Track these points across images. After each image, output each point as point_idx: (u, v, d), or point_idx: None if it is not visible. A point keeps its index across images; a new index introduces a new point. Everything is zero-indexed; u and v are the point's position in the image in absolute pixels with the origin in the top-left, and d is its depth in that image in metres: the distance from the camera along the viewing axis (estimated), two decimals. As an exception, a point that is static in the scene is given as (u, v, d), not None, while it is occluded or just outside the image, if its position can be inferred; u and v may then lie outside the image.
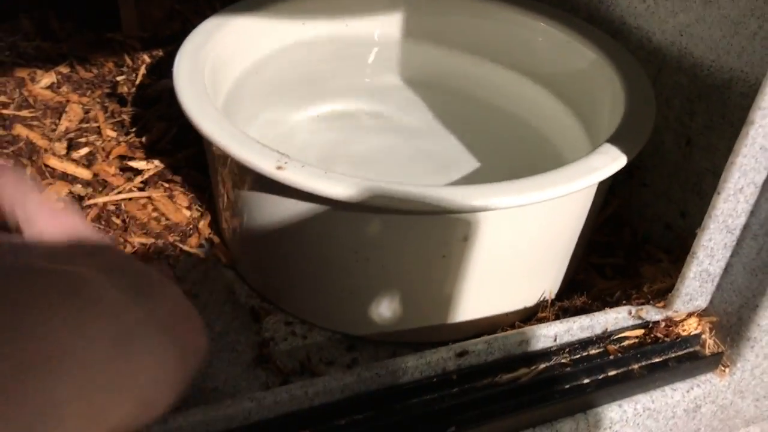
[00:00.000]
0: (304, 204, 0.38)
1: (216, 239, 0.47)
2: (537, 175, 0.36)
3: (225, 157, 0.39)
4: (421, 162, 0.52)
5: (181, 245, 0.46)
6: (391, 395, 0.34)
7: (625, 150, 0.39)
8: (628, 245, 0.51)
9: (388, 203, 0.35)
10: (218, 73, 0.47)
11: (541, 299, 0.44)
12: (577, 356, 0.38)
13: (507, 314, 0.43)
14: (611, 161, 0.38)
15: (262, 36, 0.52)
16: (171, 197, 0.48)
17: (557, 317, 0.43)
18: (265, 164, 0.36)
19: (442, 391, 0.34)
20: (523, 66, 0.55)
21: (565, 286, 0.46)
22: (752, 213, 0.36)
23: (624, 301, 0.42)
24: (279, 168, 0.36)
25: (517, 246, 0.39)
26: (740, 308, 0.38)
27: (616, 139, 0.40)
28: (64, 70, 0.60)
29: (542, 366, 0.37)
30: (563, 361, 0.37)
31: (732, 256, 0.38)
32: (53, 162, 0.49)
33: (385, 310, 0.41)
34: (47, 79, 0.58)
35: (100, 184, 0.48)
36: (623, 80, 0.46)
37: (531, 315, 0.44)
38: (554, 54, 0.53)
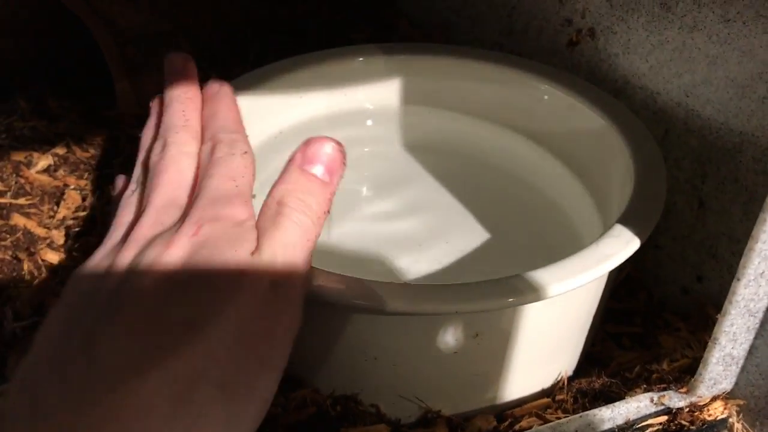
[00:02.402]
0: (311, 306, 0.36)
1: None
2: (546, 268, 0.35)
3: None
4: (426, 231, 0.51)
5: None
6: None
7: (637, 231, 0.37)
8: (644, 311, 0.49)
9: (395, 307, 0.34)
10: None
11: (558, 379, 0.43)
12: (600, 450, 0.36)
13: (521, 399, 0.42)
14: (624, 246, 0.37)
15: (261, 113, 0.51)
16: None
17: (575, 400, 0.41)
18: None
19: (461, 501, 0.33)
20: (527, 129, 0.54)
21: (582, 360, 0.45)
22: (775, 296, 0.35)
23: (643, 381, 0.41)
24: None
25: (531, 336, 0.38)
26: (768, 392, 0.36)
27: (627, 220, 0.38)
28: (61, 151, 0.59)
29: (564, 464, 0.35)
30: (585, 456, 0.36)
31: (756, 338, 0.36)
32: (50, 256, 0.48)
33: (397, 403, 0.40)
34: (44, 161, 0.58)
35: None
36: (632, 149, 0.45)
37: (548, 395, 0.43)
38: (558, 117, 0.51)
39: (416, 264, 0.48)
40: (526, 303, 0.34)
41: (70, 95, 0.64)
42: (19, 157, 0.57)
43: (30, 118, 0.62)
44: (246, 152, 0.34)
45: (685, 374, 0.40)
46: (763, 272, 0.33)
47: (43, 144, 0.59)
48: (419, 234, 0.50)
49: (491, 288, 0.34)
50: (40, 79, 0.65)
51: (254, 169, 0.35)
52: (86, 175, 0.57)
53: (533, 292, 0.34)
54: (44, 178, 0.56)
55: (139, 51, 0.62)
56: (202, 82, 0.65)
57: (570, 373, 0.44)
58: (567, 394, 0.42)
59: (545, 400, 0.42)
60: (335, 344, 0.38)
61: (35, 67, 0.65)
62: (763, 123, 0.41)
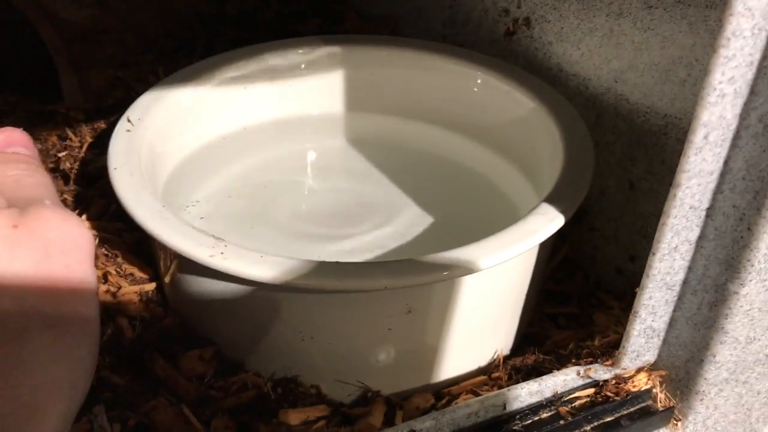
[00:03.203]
0: (246, 287, 0.37)
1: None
2: (472, 245, 0.36)
3: (162, 245, 0.39)
4: (370, 218, 0.52)
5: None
6: (338, 483, 0.33)
7: (562, 209, 0.39)
8: (580, 291, 0.51)
9: (327, 284, 0.35)
10: (158, 151, 0.47)
11: (494, 357, 0.44)
12: (529, 422, 0.37)
13: (458, 377, 0.43)
14: (548, 222, 0.38)
15: (203, 106, 0.52)
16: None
17: (510, 377, 0.42)
18: (199, 252, 0.36)
19: (392, 473, 0.34)
20: (462, 116, 0.55)
21: (518, 340, 0.46)
22: (690, 269, 0.36)
23: (574, 358, 0.42)
24: (212, 256, 0.36)
25: (463, 312, 0.39)
26: (687, 362, 0.38)
27: (553, 198, 0.40)
28: (7, 146, 0.59)
29: (493, 436, 0.36)
30: (515, 428, 0.37)
31: (675, 311, 0.38)
32: (-7, 250, 0.48)
33: (336, 383, 0.41)
34: (-10, 157, 0.57)
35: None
36: (561, 130, 0.46)
37: (484, 373, 0.44)
38: (492, 103, 0.53)
39: (357, 247, 0.49)
40: (454, 277, 0.35)
41: (16, 91, 0.64)
42: (-36, 153, 0.57)
43: (-25, 114, 0.62)
44: None
45: (614, 349, 0.41)
46: (676, 246, 0.35)
47: (-11, 140, 0.59)
48: (360, 219, 0.51)
49: (418, 264, 0.35)
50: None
51: None
52: (32, 169, 0.57)
53: (461, 267, 0.35)
54: (-11, 173, 0.56)
55: (86, 46, 0.62)
56: (148, 75, 0.65)
57: (507, 352, 0.45)
58: (502, 371, 0.43)
59: (481, 377, 0.43)
60: (271, 325, 0.39)
61: (-20, 64, 0.65)
62: (685, 105, 0.43)
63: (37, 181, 0.29)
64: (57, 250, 0.26)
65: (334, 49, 0.56)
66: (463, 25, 0.61)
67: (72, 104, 0.62)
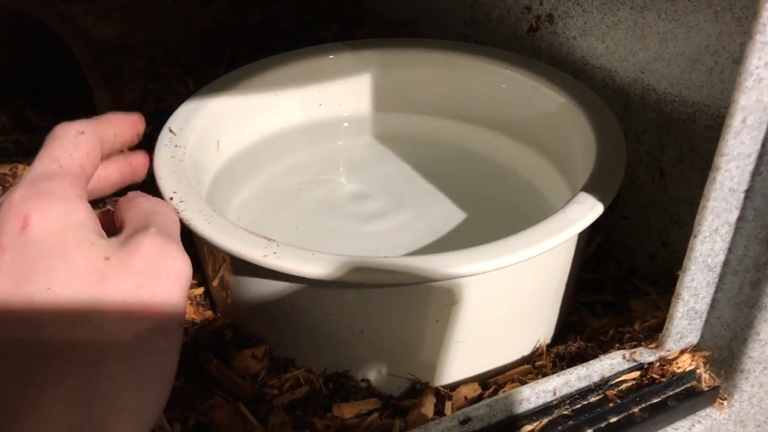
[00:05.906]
0: (298, 285, 0.39)
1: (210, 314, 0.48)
2: (515, 235, 0.37)
3: (214, 247, 0.40)
4: (404, 214, 0.53)
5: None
6: (400, 471, 0.34)
7: (600, 197, 0.40)
8: (615, 279, 0.52)
9: (376, 278, 0.36)
10: (199, 158, 0.48)
11: (537, 346, 0.45)
12: (578, 406, 0.39)
13: (505, 366, 0.44)
14: (588, 211, 0.39)
15: (238, 113, 0.53)
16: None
17: (554, 364, 0.44)
18: (253, 252, 0.37)
19: (450, 460, 0.35)
20: (494, 113, 0.56)
21: (559, 329, 0.47)
22: (730, 250, 0.37)
23: (617, 342, 0.43)
24: (265, 256, 0.37)
25: (506, 302, 0.40)
26: (730, 342, 0.39)
27: (590, 187, 0.41)
28: (45, 161, 0.60)
29: (545, 421, 0.37)
30: (565, 413, 0.38)
31: (716, 292, 0.39)
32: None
33: (386, 376, 0.42)
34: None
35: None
36: (592, 123, 0.47)
37: (528, 362, 0.45)
38: (522, 99, 0.54)
39: (393, 243, 0.50)
40: (502, 267, 0.36)
41: (49, 107, 0.66)
42: (4, 169, 0.59)
43: (12, 132, 0.63)
44: (82, 132, 0.33)
45: (656, 333, 0.42)
46: (717, 228, 0.36)
47: (27, 156, 0.61)
48: (396, 213, 0.53)
49: (465, 256, 0.36)
50: (19, 93, 0.66)
51: (91, 149, 0.33)
52: (71, 183, 0.58)
53: (507, 258, 0.36)
54: (30, 189, 0.57)
55: (116, 60, 0.64)
56: (178, 86, 0.66)
57: (548, 340, 0.46)
58: (546, 359, 0.44)
59: (526, 366, 0.44)
60: (322, 321, 0.40)
61: (13, 82, 0.66)
62: (713, 93, 0.44)
63: (153, 206, 0.32)
64: (147, 279, 0.28)
65: (361, 53, 0.57)
66: (484, 24, 0.63)
67: (105, 118, 0.63)
